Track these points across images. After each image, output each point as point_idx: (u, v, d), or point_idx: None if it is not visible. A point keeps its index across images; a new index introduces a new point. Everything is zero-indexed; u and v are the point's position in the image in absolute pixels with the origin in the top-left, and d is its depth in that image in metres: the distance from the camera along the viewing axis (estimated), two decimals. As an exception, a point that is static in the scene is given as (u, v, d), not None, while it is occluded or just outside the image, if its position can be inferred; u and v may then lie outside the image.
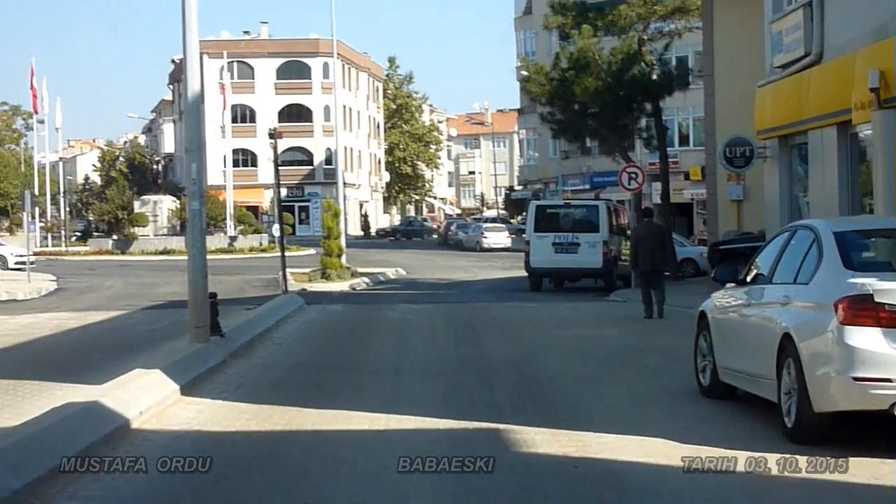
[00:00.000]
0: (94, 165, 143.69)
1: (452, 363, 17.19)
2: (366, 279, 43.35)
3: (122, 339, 22.76)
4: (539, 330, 22.55)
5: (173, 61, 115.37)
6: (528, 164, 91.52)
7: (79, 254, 71.15)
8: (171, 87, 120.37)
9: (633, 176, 36.48)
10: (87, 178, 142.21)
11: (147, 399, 13.04)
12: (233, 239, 75.08)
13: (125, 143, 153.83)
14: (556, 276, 38.67)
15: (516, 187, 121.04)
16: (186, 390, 14.32)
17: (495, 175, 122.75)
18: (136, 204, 78.48)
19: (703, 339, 13.84)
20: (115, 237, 75.12)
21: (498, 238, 76.13)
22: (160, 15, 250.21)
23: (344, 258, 52.65)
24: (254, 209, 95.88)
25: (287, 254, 70.92)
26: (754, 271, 12.90)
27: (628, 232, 40.12)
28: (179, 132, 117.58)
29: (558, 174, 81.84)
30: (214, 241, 73.28)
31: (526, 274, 38.44)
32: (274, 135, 32.82)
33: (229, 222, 77.31)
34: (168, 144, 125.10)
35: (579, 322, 24.53)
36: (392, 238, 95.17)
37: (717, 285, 13.89)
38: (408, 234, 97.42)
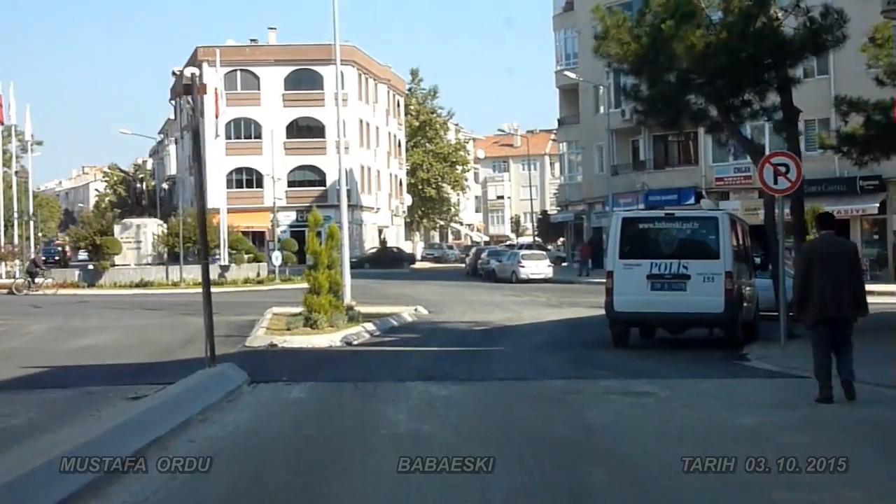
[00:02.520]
0: (96, 191, 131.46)
1: None
2: (371, 325, 30.07)
3: None
4: (733, 490, 9.05)
5: (174, 73, 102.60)
6: (569, 183, 78.12)
7: (39, 286, 58.15)
8: (173, 102, 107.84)
9: (783, 170, 23.22)
10: (97, 205, 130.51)
11: None
12: (224, 269, 62.11)
13: (134, 167, 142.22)
14: (653, 324, 25.41)
15: (550, 211, 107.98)
16: None
17: (530, 199, 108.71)
18: (117, 228, 65.66)
19: None
20: (88, 266, 62.42)
21: (537, 267, 62.79)
22: (171, 33, 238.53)
23: (348, 294, 40.16)
24: (259, 235, 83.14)
25: (286, 286, 58.22)
26: None
27: (756, 259, 27.00)
28: (181, 151, 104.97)
29: (606, 193, 68.51)
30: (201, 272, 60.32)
31: (585, 314, 25.50)
32: (193, 84, 18.91)
33: (223, 250, 64.22)
34: (174, 167, 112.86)
35: (783, 443, 11.15)
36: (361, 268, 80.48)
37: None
38: (380, 263, 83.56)
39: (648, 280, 23.59)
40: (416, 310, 39.42)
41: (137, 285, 58.23)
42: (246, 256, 68.05)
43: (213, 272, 61.62)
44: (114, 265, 61.68)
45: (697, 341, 25.47)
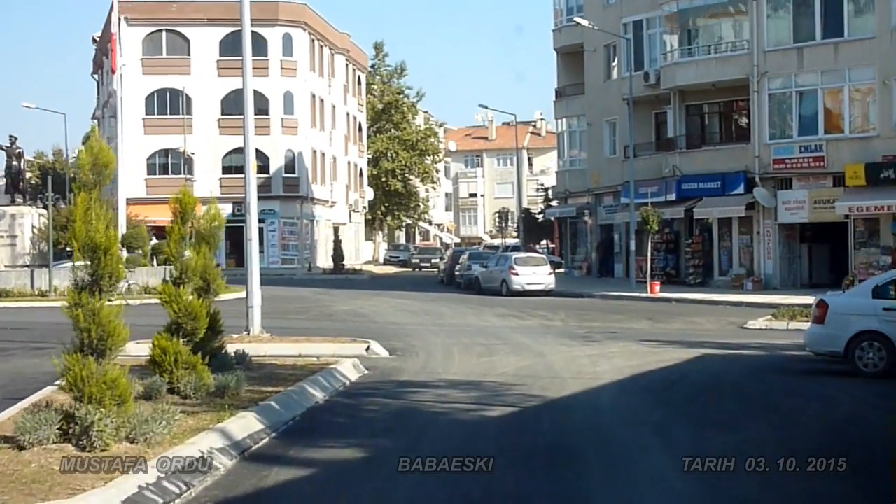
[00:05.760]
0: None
1: None
2: (253, 416, 12.62)
3: None
4: None
5: (94, 40, 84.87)
6: (569, 169, 60.55)
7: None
8: (96, 75, 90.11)
9: None
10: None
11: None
12: (113, 274, 44.56)
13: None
14: None
15: (533, 210, 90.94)
16: None
17: (518, 196, 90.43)
18: (-15, 219, 48.47)
19: None
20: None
21: (535, 275, 45.79)
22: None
23: (256, 320, 24.37)
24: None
25: (122, 300, 40.34)
26: None
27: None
28: (102, 132, 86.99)
29: (620, 181, 51.58)
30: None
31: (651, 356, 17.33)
32: None
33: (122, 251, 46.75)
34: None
35: None
36: None
37: None
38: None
39: None
40: (367, 350, 22.53)
41: (-14, 296, 40.89)
42: (157, 258, 50.89)
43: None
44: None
45: None
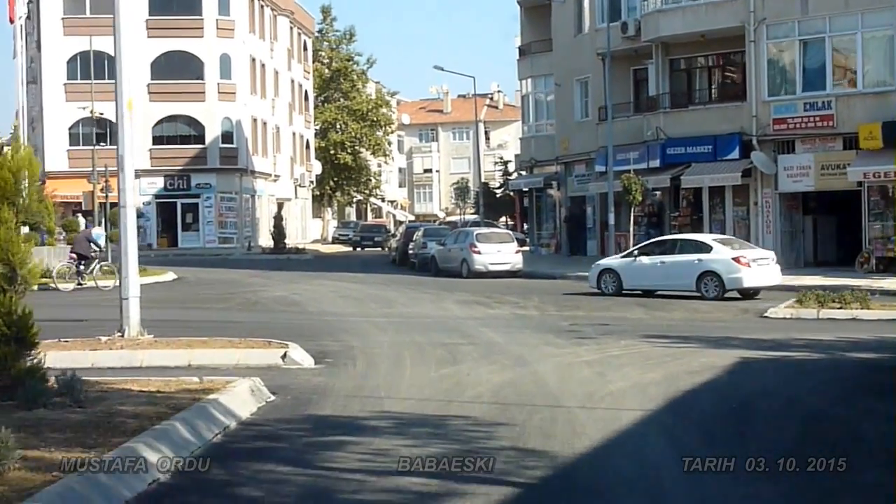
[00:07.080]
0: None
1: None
2: None
3: None
4: None
5: (14, 1, 77.30)
6: (535, 135, 53.94)
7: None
8: (16, 25, 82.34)
9: None
10: None
11: None
12: None
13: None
14: None
15: (492, 185, 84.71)
16: None
17: (477, 169, 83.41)
18: None
19: None
20: None
21: (500, 254, 39.32)
22: None
23: (133, 318, 17.73)
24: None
25: (97, 284, 32.89)
26: None
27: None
28: (21, 88, 78.84)
29: (593, 147, 45.33)
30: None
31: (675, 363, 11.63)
32: None
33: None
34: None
35: None
36: None
37: None
38: None
39: None
40: (284, 357, 15.78)
41: None
42: (62, 237, 44.39)
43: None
44: None
45: None
